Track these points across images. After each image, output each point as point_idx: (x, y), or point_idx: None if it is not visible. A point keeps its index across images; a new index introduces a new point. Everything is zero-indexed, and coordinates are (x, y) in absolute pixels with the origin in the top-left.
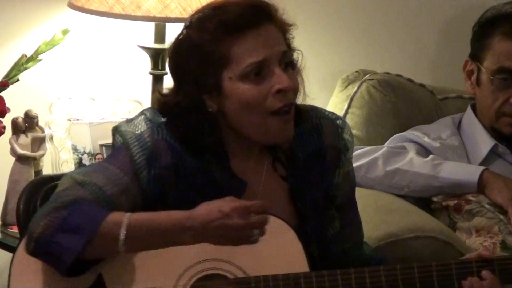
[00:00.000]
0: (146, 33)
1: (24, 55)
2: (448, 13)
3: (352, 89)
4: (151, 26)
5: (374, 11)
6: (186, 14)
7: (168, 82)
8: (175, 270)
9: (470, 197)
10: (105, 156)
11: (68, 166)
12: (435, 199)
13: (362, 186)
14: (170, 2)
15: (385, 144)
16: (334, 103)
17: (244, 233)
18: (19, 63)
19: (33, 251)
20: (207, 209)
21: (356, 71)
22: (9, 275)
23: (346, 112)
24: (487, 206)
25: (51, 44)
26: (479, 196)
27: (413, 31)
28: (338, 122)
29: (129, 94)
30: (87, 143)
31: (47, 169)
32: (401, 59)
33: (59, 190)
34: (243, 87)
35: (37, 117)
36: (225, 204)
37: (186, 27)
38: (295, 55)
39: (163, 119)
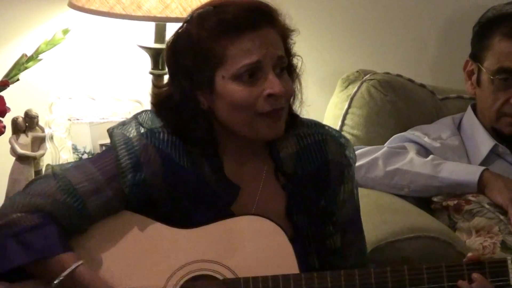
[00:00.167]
0: (146, 33)
1: (24, 55)
2: (448, 13)
3: (353, 89)
4: (151, 26)
5: (375, 11)
6: (186, 14)
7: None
8: (165, 270)
9: (470, 197)
10: None
11: None
12: (435, 199)
13: (362, 186)
14: (170, 2)
15: (385, 144)
16: (335, 103)
17: None
18: (20, 63)
19: None
20: None
21: (357, 71)
22: None
23: (346, 112)
24: (487, 206)
25: (51, 44)
26: (479, 196)
27: (413, 31)
28: (341, 140)
29: (130, 94)
30: (87, 143)
31: None
32: (402, 59)
33: (37, 177)
34: (235, 88)
35: (37, 116)
36: None
37: (186, 22)
38: (294, 60)
39: (158, 124)
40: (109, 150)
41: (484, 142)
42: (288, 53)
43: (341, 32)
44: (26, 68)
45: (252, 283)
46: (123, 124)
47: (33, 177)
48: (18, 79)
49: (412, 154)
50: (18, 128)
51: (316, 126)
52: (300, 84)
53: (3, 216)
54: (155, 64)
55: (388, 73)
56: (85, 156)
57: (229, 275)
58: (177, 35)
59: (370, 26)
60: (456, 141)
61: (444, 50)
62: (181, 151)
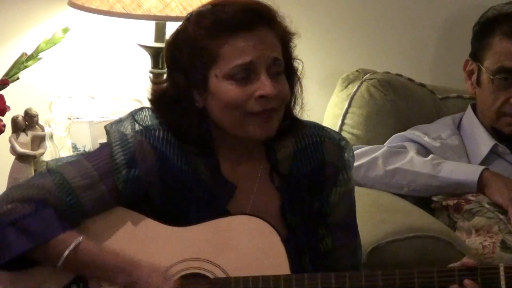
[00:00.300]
0: (146, 32)
1: (24, 54)
2: (448, 13)
3: (352, 88)
4: (151, 25)
5: (375, 10)
6: (186, 13)
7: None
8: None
9: (470, 197)
10: None
11: None
12: (435, 198)
13: (362, 186)
14: (170, 1)
15: (385, 144)
16: (334, 102)
17: None
18: (19, 62)
19: None
20: (152, 269)
21: (357, 71)
22: None
23: (346, 112)
24: (487, 205)
25: (51, 43)
26: (479, 196)
27: (413, 31)
28: (342, 143)
29: (129, 93)
30: (87, 142)
31: None
32: (402, 58)
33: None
34: (227, 87)
35: (37, 115)
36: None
37: (185, 19)
38: (295, 64)
39: (155, 121)
40: (104, 147)
41: (484, 142)
42: (288, 56)
43: (341, 32)
44: (26, 67)
45: (242, 283)
46: (120, 120)
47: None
48: (18, 78)
49: (412, 153)
50: (18, 127)
51: (315, 128)
52: (301, 88)
53: (3, 203)
54: (155, 63)
55: (388, 73)
56: None
57: (220, 274)
58: (177, 32)
59: (370, 26)
60: (456, 140)
61: (444, 50)
62: (176, 149)
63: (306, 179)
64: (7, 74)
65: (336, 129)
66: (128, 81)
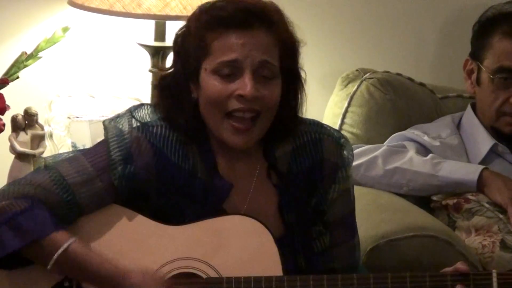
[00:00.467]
0: (146, 31)
1: (24, 53)
2: (448, 13)
3: (352, 87)
4: (151, 24)
5: (375, 10)
6: (186, 12)
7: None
8: (150, 266)
9: (469, 196)
10: None
11: None
12: (434, 198)
13: (361, 185)
14: (170, 0)
15: (384, 143)
16: (334, 101)
17: None
18: (19, 61)
19: None
20: (142, 273)
21: (356, 70)
22: None
23: (346, 111)
24: (487, 205)
25: (51, 42)
26: (479, 195)
27: (413, 30)
28: (341, 140)
29: (129, 92)
30: (87, 141)
31: None
32: (401, 58)
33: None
34: (212, 82)
35: (37, 114)
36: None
37: (198, 7)
38: (300, 72)
39: (154, 118)
40: (101, 143)
41: (483, 141)
42: (289, 62)
43: (341, 31)
44: (25, 66)
45: (234, 283)
46: (117, 116)
47: None
48: (17, 77)
49: (411, 153)
50: (18, 126)
51: (314, 125)
52: (301, 95)
53: None
54: (155, 62)
55: (387, 72)
56: None
57: (213, 274)
58: (182, 26)
59: (370, 25)
60: (455, 140)
61: (444, 49)
62: (174, 146)
63: (305, 177)
64: (7, 73)
65: (336, 128)
66: (128, 80)
